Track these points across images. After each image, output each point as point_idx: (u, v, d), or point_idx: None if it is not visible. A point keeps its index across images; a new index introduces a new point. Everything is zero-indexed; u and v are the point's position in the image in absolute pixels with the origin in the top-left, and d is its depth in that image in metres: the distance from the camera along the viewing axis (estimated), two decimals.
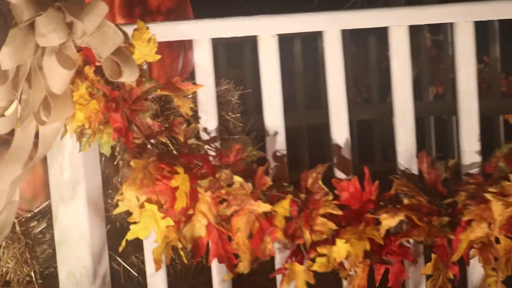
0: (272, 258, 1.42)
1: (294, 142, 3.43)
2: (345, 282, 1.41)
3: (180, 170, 1.22)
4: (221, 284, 1.46)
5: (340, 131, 1.46)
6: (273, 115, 1.46)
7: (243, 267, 1.35)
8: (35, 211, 1.83)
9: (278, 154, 1.45)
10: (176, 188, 1.21)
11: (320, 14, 1.45)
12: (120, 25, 1.34)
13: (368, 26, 1.50)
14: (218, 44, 3.42)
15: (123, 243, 1.35)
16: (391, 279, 1.35)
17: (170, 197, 1.25)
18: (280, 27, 1.45)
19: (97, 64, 1.30)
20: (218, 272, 1.47)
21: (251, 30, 1.46)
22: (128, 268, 1.69)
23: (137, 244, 1.53)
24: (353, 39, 3.83)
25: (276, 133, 1.45)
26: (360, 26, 1.51)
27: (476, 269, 1.43)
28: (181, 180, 1.22)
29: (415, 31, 3.17)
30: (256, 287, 1.66)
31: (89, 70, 1.30)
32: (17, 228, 1.74)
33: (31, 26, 1.20)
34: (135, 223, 1.30)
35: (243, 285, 1.59)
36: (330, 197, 1.33)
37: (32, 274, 1.70)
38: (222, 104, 1.96)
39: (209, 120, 1.46)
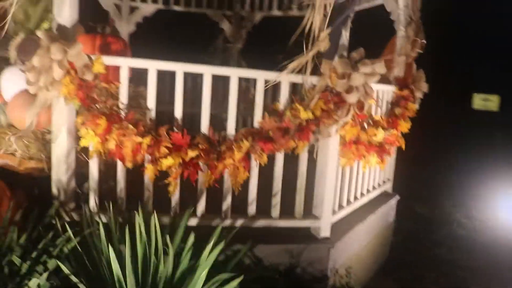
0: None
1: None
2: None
3: (103, 118, 2.96)
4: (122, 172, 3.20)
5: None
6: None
7: (129, 164, 3.09)
8: None
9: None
10: (99, 124, 2.95)
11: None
12: (91, 55, 3.07)
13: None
14: None
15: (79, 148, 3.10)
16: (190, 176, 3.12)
17: (99, 128, 2.98)
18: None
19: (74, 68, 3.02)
20: (121, 168, 3.22)
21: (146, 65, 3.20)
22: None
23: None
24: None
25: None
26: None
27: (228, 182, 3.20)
28: (102, 122, 2.95)
29: None
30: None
31: (72, 72, 3.01)
32: None
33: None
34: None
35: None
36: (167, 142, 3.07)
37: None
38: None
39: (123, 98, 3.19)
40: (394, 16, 5.03)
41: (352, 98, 3.30)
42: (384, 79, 4.92)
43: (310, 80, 3.35)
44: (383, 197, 4.94)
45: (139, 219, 2.70)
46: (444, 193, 7.33)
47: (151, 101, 3.25)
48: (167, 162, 3.09)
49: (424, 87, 4.97)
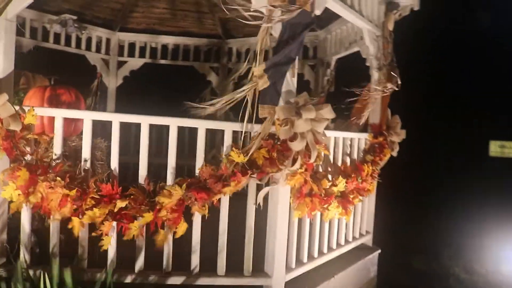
0: None
1: None
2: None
3: (22, 170, 2.76)
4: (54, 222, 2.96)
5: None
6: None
7: (56, 217, 2.86)
8: None
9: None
10: (18, 176, 2.75)
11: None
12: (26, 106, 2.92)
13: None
14: None
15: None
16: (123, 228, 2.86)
17: (19, 180, 2.78)
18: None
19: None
20: (55, 222, 2.98)
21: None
22: None
23: None
24: None
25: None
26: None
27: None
28: (22, 173, 2.75)
29: None
30: None
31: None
32: None
33: None
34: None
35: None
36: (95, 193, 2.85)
37: None
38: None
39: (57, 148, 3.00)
40: (368, 62, 4.83)
41: (296, 146, 3.04)
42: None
43: (254, 127, 3.11)
44: (360, 251, 4.54)
45: (47, 280, 2.44)
46: (443, 245, 6.83)
47: (86, 152, 3.05)
48: (91, 213, 2.85)
49: (401, 133, 4.69)
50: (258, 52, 3.00)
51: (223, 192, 2.96)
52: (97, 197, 2.88)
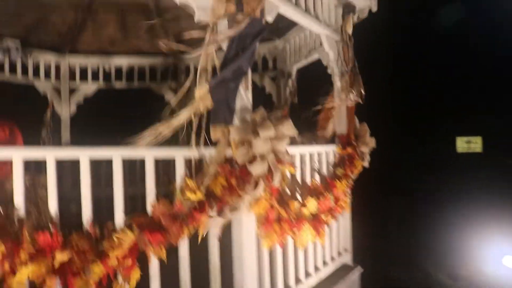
0: None
1: None
2: None
3: None
4: None
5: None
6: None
7: None
8: None
9: None
10: None
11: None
12: None
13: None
14: None
15: None
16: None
17: None
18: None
19: None
20: None
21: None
22: None
23: None
24: None
25: None
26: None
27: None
28: None
29: None
30: None
31: None
32: None
33: None
34: None
35: None
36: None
37: None
38: None
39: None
40: (329, 69, 4.55)
41: (257, 169, 2.69)
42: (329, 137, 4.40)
43: (207, 152, 2.75)
44: (341, 272, 4.20)
45: None
46: (424, 253, 6.56)
47: (18, 197, 2.63)
48: (25, 271, 2.43)
49: (370, 141, 4.40)
50: (199, 71, 2.65)
51: (181, 235, 2.58)
52: (33, 250, 2.46)
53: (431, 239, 6.97)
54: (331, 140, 4.40)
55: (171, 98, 6.79)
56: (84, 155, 2.68)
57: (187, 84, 2.73)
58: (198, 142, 2.68)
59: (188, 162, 2.76)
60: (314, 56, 5.05)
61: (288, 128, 2.74)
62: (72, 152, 2.74)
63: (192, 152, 2.70)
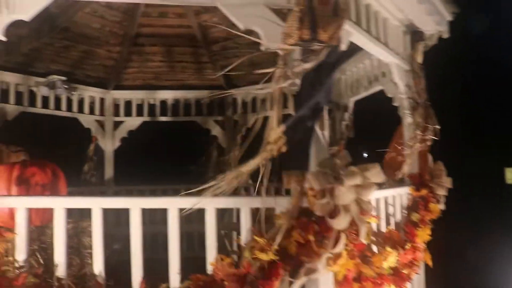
0: None
1: None
2: None
3: None
4: None
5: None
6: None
7: None
8: None
9: None
10: None
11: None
12: None
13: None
14: None
15: None
16: None
17: None
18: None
19: None
20: None
21: None
22: None
23: None
24: None
25: None
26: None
27: None
28: None
29: None
30: None
31: None
32: None
33: None
34: None
35: None
36: None
37: None
38: None
39: None
40: (396, 101, 4.08)
41: (340, 223, 2.21)
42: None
43: (280, 202, 2.31)
44: None
45: None
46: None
47: (59, 254, 2.25)
48: None
49: (447, 181, 3.86)
50: (273, 109, 2.23)
51: None
52: None
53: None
54: (400, 180, 3.89)
55: (217, 132, 6.41)
56: (135, 205, 2.29)
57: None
58: (269, 191, 2.24)
59: (256, 214, 2.32)
60: (376, 88, 4.59)
61: (376, 174, 2.27)
62: (121, 202, 2.36)
63: (261, 203, 2.26)
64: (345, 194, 2.19)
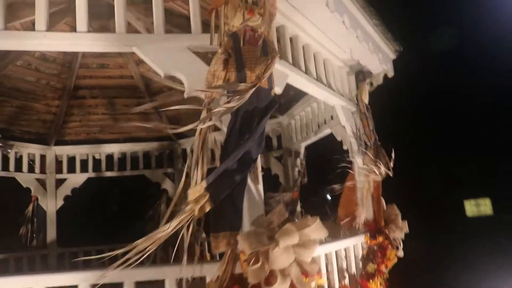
0: None
1: None
2: None
3: None
4: None
5: None
6: None
7: None
8: None
9: None
10: None
11: None
12: None
13: None
14: None
15: None
16: None
17: None
18: None
19: None
20: None
21: None
22: None
23: None
24: None
25: None
26: None
27: None
28: None
29: None
30: None
31: None
32: None
33: None
34: None
35: None
36: None
37: None
38: None
39: None
40: (346, 144, 3.86)
41: None
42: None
43: (207, 270, 1.96)
44: None
45: None
46: None
47: None
48: None
49: (403, 225, 3.61)
50: (192, 160, 1.93)
51: None
52: None
53: None
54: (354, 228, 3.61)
55: (167, 185, 6.02)
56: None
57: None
58: (194, 258, 1.90)
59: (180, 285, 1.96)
60: (325, 131, 4.38)
61: (317, 230, 1.97)
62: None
63: (186, 272, 1.90)
64: (281, 257, 1.86)
